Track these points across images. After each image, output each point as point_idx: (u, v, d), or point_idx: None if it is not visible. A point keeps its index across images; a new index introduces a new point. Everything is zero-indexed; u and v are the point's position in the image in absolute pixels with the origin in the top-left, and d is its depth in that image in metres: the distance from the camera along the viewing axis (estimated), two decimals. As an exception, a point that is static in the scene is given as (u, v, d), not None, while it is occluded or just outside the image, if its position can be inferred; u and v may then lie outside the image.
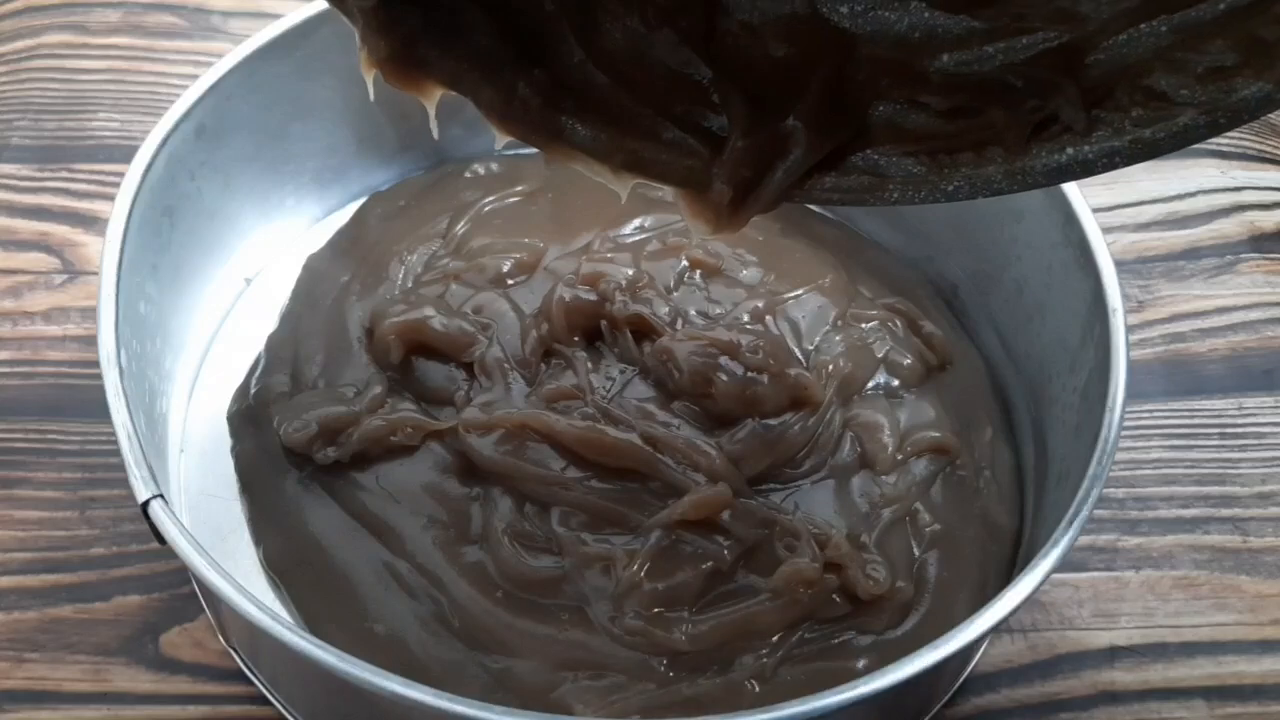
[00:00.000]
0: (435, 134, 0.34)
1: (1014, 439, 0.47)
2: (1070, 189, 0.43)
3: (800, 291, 0.48)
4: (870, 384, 0.46)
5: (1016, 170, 0.31)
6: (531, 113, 0.32)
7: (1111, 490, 0.48)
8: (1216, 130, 0.28)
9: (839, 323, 0.48)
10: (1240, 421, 0.50)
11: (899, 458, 0.44)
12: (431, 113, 0.32)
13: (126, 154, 0.44)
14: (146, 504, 0.35)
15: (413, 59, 0.31)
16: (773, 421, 0.43)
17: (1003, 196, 0.46)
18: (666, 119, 0.33)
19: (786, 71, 0.31)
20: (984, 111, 0.30)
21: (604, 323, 0.45)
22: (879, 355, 0.47)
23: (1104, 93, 0.29)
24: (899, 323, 0.48)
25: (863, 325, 0.48)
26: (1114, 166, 0.30)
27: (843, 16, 0.30)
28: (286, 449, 0.43)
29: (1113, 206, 0.57)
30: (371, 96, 0.32)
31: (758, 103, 0.32)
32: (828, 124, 0.32)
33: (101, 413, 0.37)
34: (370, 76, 0.32)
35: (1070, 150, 0.30)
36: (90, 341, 0.49)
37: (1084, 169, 0.30)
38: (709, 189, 0.32)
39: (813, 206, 0.54)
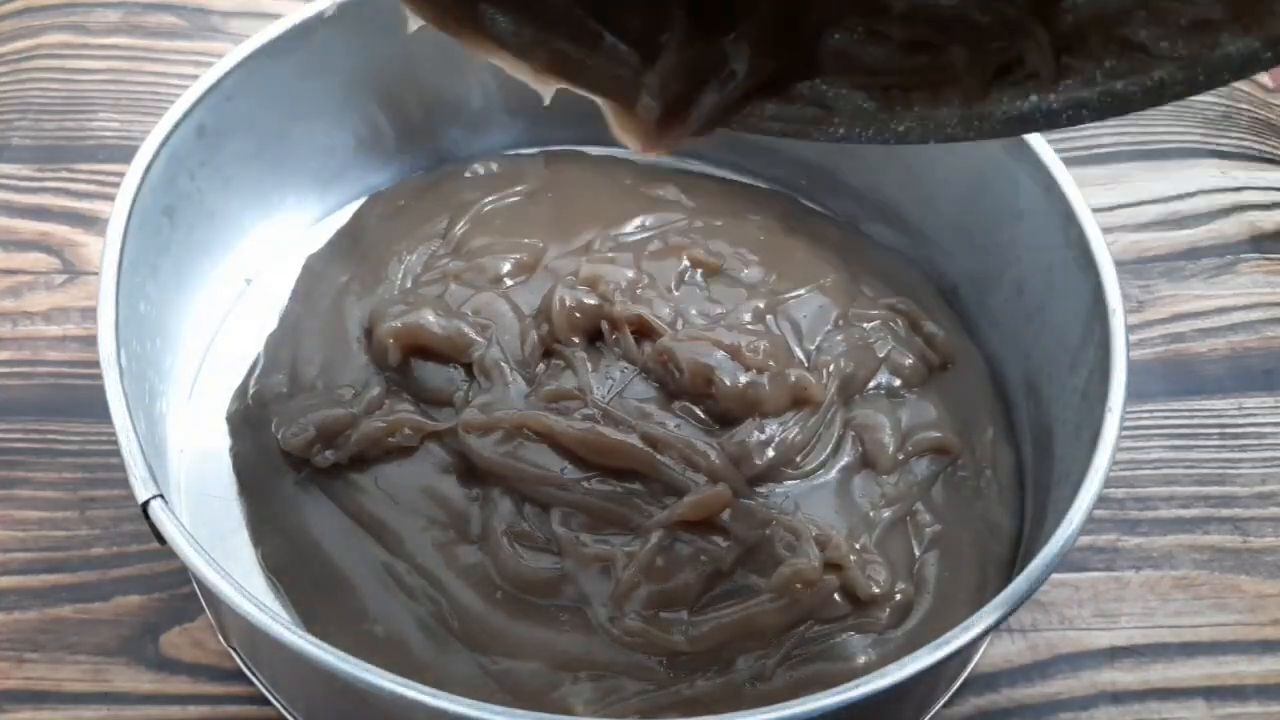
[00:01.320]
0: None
1: (1015, 439, 0.47)
2: (1070, 189, 0.43)
3: (802, 291, 0.48)
4: (872, 384, 0.46)
5: (974, 115, 0.28)
6: None
7: (1111, 490, 0.48)
8: (1193, 89, 0.26)
9: (840, 322, 0.48)
10: (1240, 422, 0.50)
11: (900, 458, 0.44)
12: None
13: (126, 154, 0.43)
14: (146, 504, 0.35)
15: None
16: (773, 422, 0.43)
17: (1001, 197, 0.47)
18: (597, 19, 0.29)
19: None
20: (945, 49, 0.28)
21: (604, 323, 0.45)
22: (880, 355, 0.47)
23: (1077, 39, 0.27)
24: (901, 322, 0.48)
25: (864, 325, 0.48)
26: (1079, 120, 0.27)
27: None
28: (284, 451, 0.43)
29: (1113, 206, 0.57)
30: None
31: (700, 11, 0.29)
32: (774, 45, 0.29)
33: (101, 413, 0.37)
34: None
35: (1034, 98, 0.27)
36: (90, 341, 0.49)
37: (1047, 120, 0.28)
38: (636, 102, 0.30)
39: (813, 205, 0.54)
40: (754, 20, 0.29)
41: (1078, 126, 0.28)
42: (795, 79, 0.30)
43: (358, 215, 0.52)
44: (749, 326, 0.46)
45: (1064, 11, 0.26)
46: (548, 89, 0.31)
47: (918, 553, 0.42)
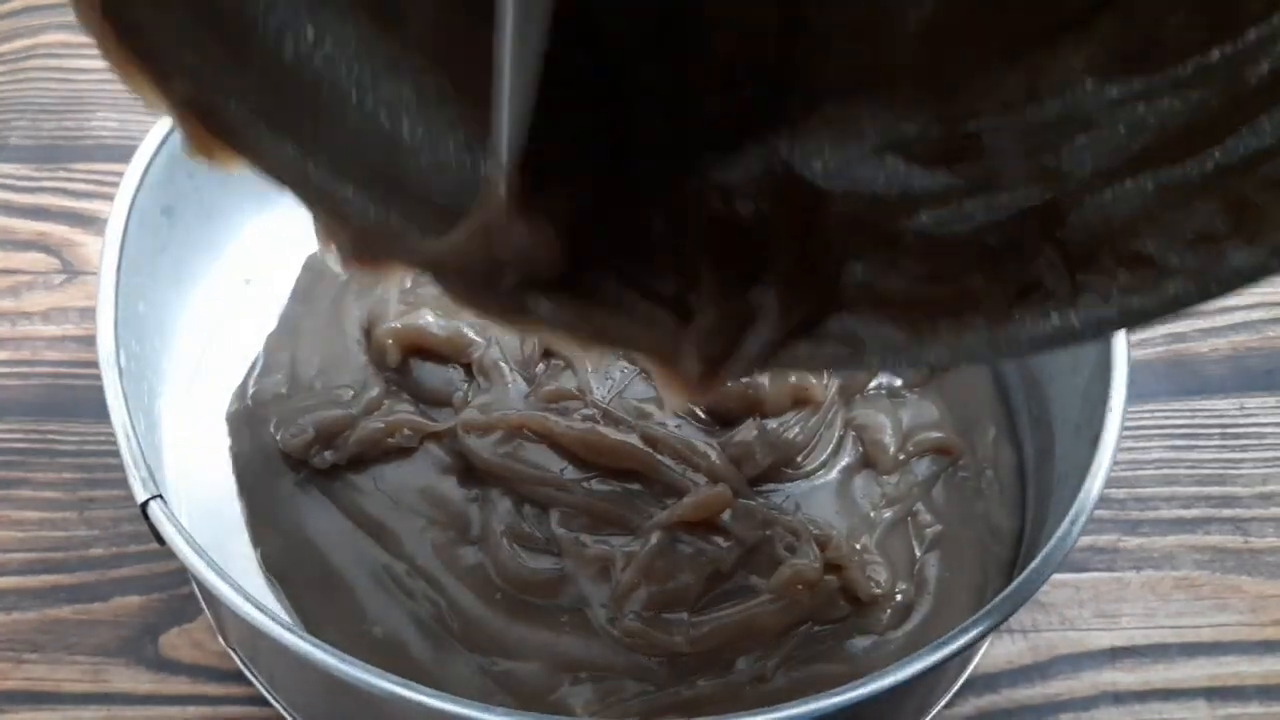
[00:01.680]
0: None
1: (1016, 439, 0.46)
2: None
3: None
4: (873, 384, 0.46)
5: (1000, 339, 0.28)
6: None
7: (1112, 490, 0.48)
8: (1209, 298, 0.26)
9: (840, 322, 0.47)
10: (1242, 422, 0.50)
11: (901, 458, 0.44)
12: None
13: (125, 153, 0.43)
14: (145, 504, 0.35)
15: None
16: (773, 422, 0.43)
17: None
18: (631, 288, 0.29)
19: (755, 234, 0.29)
20: (962, 276, 0.28)
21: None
22: (881, 355, 0.47)
23: (1088, 256, 0.27)
24: (900, 322, 0.48)
25: (864, 325, 0.48)
26: (1104, 335, 0.28)
27: (816, 174, 0.28)
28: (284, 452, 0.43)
29: (1114, 206, 0.57)
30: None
31: (726, 268, 0.29)
32: (800, 289, 0.29)
33: (100, 413, 0.37)
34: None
35: (1056, 318, 0.27)
36: (89, 341, 0.49)
37: (1073, 338, 0.28)
38: (678, 363, 0.29)
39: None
40: (776, 267, 0.29)
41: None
42: (824, 316, 0.30)
43: (357, 215, 0.52)
44: None
45: (1071, 226, 0.27)
46: (594, 358, 0.30)
47: (918, 553, 0.42)
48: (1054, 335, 0.28)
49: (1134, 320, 0.27)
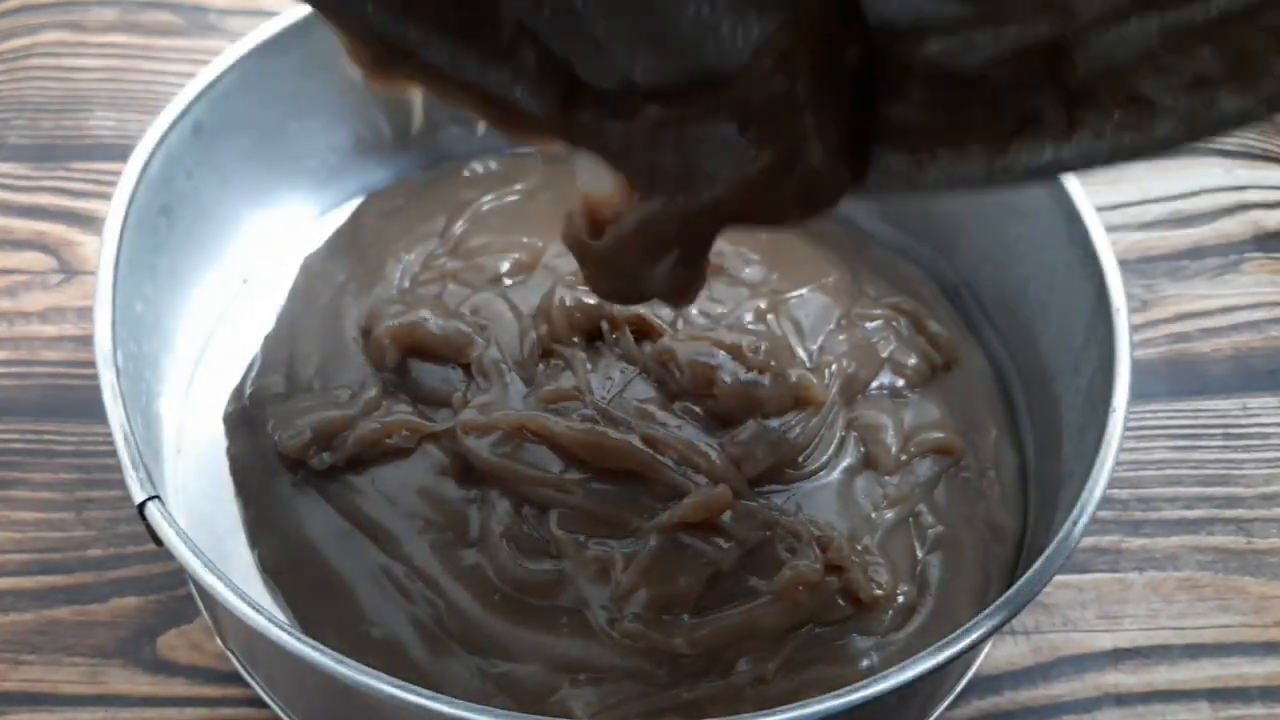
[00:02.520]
0: (417, 125, 0.33)
1: (1018, 440, 0.46)
2: (1073, 187, 0.43)
3: (804, 290, 0.48)
4: (874, 384, 0.46)
5: (996, 169, 0.30)
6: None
7: (1115, 491, 0.48)
8: (1195, 140, 0.28)
9: (843, 322, 0.47)
10: (1245, 422, 0.50)
11: (903, 459, 0.44)
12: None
13: (123, 153, 0.43)
14: (143, 505, 0.35)
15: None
16: (774, 422, 0.43)
17: (1006, 195, 0.46)
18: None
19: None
20: (966, 107, 0.30)
21: (604, 322, 0.45)
22: (883, 355, 0.47)
23: (1088, 93, 0.28)
24: (904, 322, 0.48)
25: (867, 325, 0.47)
26: (1090, 168, 0.29)
27: None
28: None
29: (1116, 205, 0.57)
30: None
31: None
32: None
33: (98, 413, 0.37)
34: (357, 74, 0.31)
35: (1050, 150, 0.29)
36: (87, 341, 0.49)
37: (1061, 169, 0.29)
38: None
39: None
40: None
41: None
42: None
43: (356, 214, 0.52)
44: (750, 326, 0.46)
45: (1075, 64, 0.28)
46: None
47: (920, 554, 0.42)
48: (1046, 167, 0.29)
49: (1122, 156, 0.28)
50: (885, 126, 0.30)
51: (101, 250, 0.40)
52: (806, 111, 0.29)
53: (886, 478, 0.43)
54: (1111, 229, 0.45)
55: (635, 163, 0.31)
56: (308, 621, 0.40)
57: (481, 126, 0.32)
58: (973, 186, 0.30)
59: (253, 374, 0.46)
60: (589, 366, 0.44)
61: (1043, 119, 0.29)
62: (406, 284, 0.48)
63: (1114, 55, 0.27)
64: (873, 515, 0.42)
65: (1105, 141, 0.28)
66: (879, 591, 0.40)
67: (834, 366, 0.45)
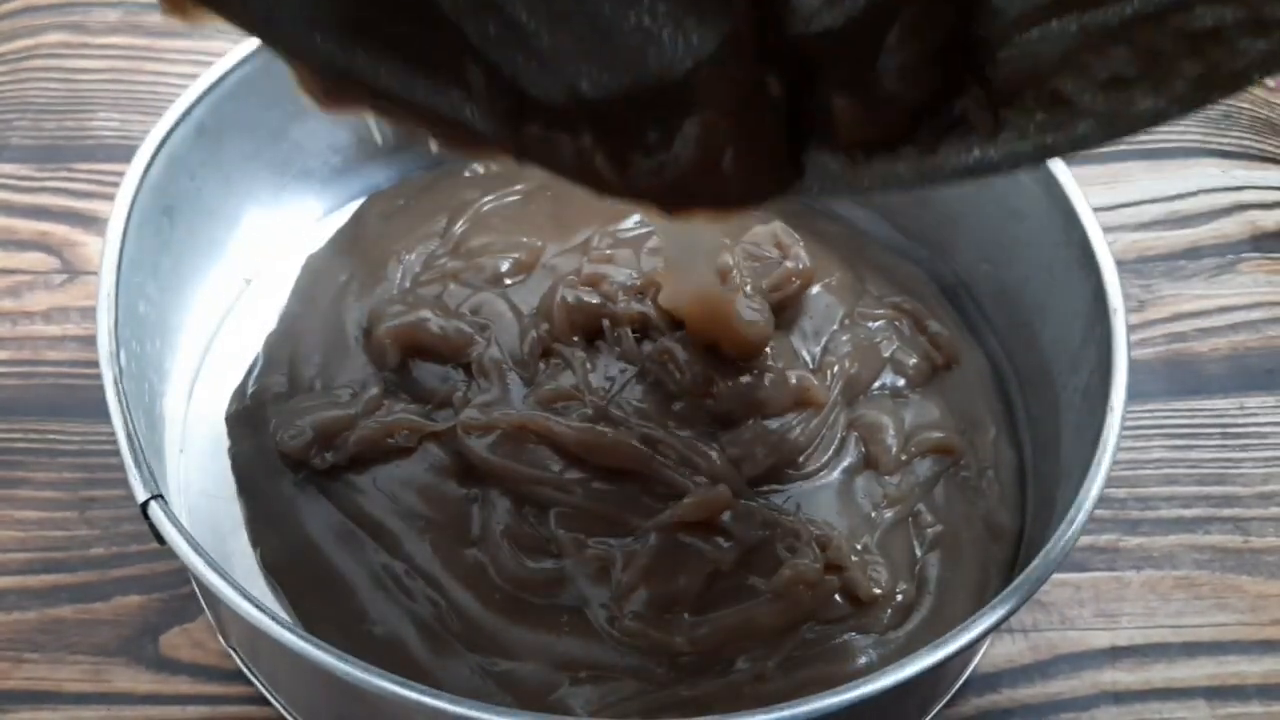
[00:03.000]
0: (379, 141, 0.33)
1: (1017, 439, 0.46)
2: (1071, 187, 0.43)
3: (810, 289, 0.48)
4: (876, 384, 0.46)
5: (926, 169, 0.30)
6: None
7: (1113, 490, 0.48)
8: (1113, 138, 0.28)
9: (846, 322, 0.48)
10: (1242, 421, 0.50)
11: (903, 458, 0.44)
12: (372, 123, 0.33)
13: (126, 153, 0.43)
14: (146, 504, 0.35)
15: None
16: (775, 423, 0.43)
17: (1005, 196, 0.46)
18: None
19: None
20: (895, 109, 0.30)
21: (605, 321, 0.45)
22: (885, 355, 0.47)
23: (1012, 94, 0.29)
24: (905, 322, 0.48)
25: (869, 324, 0.48)
26: (1016, 169, 0.30)
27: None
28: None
29: (1113, 206, 0.57)
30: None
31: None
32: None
33: (101, 413, 0.37)
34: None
35: (976, 151, 0.30)
36: (90, 341, 0.49)
37: (989, 169, 0.30)
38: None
39: (814, 205, 0.54)
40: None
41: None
42: None
43: (357, 214, 0.52)
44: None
45: (1000, 63, 0.29)
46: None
47: (919, 553, 0.42)
48: (973, 167, 0.30)
49: (1044, 155, 0.29)
50: (820, 128, 0.31)
51: (104, 250, 0.40)
52: (739, 114, 0.29)
53: (886, 477, 0.43)
54: (1109, 229, 0.45)
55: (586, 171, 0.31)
56: (309, 620, 0.40)
57: (433, 145, 0.32)
58: (906, 186, 0.31)
59: (255, 374, 0.46)
60: (589, 366, 0.44)
61: (970, 120, 0.29)
62: (408, 284, 0.48)
63: (1038, 55, 0.28)
64: (872, 515, 0.42)
65: (1029, 141, 0.29)
66: (878, 590, 0.40)
67: (836, 368, 0.45)
